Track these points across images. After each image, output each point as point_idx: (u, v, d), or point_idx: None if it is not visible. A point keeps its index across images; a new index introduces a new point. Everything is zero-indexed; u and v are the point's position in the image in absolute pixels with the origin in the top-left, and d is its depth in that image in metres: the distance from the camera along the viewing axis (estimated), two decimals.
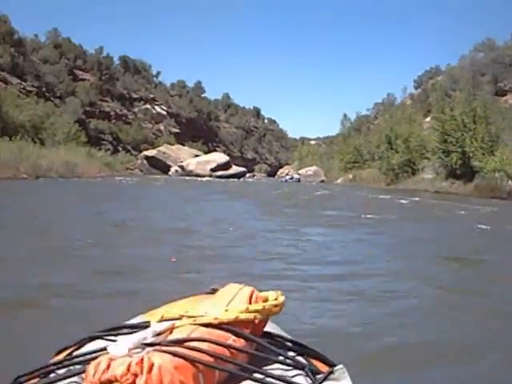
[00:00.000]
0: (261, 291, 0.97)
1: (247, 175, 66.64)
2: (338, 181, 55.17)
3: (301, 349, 0.98)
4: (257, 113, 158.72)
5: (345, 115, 77.86)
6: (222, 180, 48.13)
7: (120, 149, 74.77)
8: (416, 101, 59.72)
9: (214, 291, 1.16)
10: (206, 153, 67.74)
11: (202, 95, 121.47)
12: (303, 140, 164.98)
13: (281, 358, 0.89)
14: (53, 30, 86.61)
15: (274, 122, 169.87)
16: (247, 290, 0.98)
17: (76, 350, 0.90)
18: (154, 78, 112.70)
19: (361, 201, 22.60)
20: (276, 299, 0.97)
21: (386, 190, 39.60)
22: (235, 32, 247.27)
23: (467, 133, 35.58)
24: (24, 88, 63.07)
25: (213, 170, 54.50)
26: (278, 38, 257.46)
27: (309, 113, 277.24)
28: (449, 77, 58.81)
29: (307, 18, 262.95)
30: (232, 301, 0.91)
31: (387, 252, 8.42)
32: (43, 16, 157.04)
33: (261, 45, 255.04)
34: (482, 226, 12.20)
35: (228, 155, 66.04)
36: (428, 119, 50.20)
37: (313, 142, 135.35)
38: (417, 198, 24.48)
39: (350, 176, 54.09)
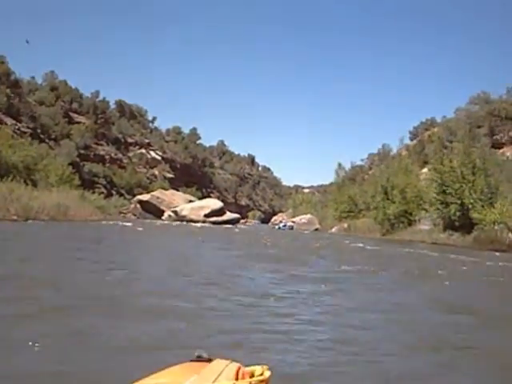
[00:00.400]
0: (247, 366, 0.96)
1: (241, 221, 65.99)
2: (333, 230, 54.54)
3: None
4: (251, 160, 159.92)
5: (339, 164, 78.09)
6: (216, 226, 47.46)
7: (114, 192, 74.18)
8: (412, 152, 60.03)
9: (200, 359, 1.11)
10: (200, 198, 67.28)
11: (197, 141, 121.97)
12: (297, 188, 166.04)
13: None
14: (50, 73, 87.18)
15: (269, 169, 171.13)
16: (233, 366, 0.95)
17: None
18: (150, 124, 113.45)
19: (361, 254, 21.94)
20: (262, 374, 0.94)
21: (383, 240, 38.99)
22: (231, 80, 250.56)
23: (466, 184, 35.31)
24: (19, 129, 62.91)
25: (206, 215, 53.83)
26: (273, 88, 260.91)
27: (303, 161, 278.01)
28: (445, 128, 59.18)
29: (304, 69, 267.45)
30: (219, 377, 0.89)
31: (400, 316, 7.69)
32: (40, 58, 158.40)
33: (256, 94, 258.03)
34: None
35: (222, 201, 65.47)
36: (425, 170, 50.12)
37: (306, 190, 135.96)
38: (421, 250, 23.88)
39: (345, 225, 53.53)
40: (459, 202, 35.37)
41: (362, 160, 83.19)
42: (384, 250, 24.09)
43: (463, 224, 35.03)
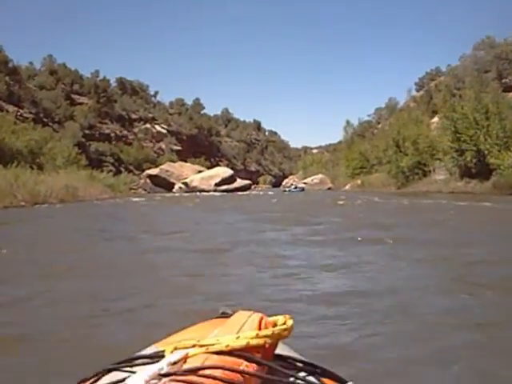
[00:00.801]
0: (270, 316, 0.99)
1: (252, 187, 65.44)
2: (346, 187, 53.79)
3: (311, 368, 1.02)
4: (257, 126, 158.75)
5: (347, 122, 77.02)
6: (229, 194, 46.96)
7: (122, 169, 73.99)
8: (419, 102, 58.41)
9: (224, 315, 1.17)
10: (208, 168, 66.73)
11: (202, 112, 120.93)
12: (305, 149, 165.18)
13: (292, 379, 0.92)
14: (48, 57, 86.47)
15: (275, 133, 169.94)
16: (256, 316, 0.99)
17: (94, 382, 0.93)
18: (153, 98, 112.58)
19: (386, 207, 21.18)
20: (285, 323, 0.98)
21: (398, 193, 38.19)
22: (231, 45, 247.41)
23: (480, 130, 34.32)
24: (21, 115, 62.41)
25: (217, 184, 53.39)
26: (273, 50, 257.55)
27: (309, 122, 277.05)
28: (452, 76, 57.67)
29: (305, 28, 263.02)
30: (242, 328, 0.94)
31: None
32: (37, 44, 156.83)
33: (257, 57, 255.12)
34: None
35: (232, 169, 64.93)
36: (435, 119, 49.02)
37: (315, 151, 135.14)
38: (441, 201, 22.97)
39: (358, 182, 52.78)
40: (475, 148, 34.48)
41: (369, 115, 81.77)
42: (402, 203, 23.17)
43: (480, 170, 34.30)
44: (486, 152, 33.57)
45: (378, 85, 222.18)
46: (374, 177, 51.04)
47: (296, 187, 62.77)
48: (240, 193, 50.06)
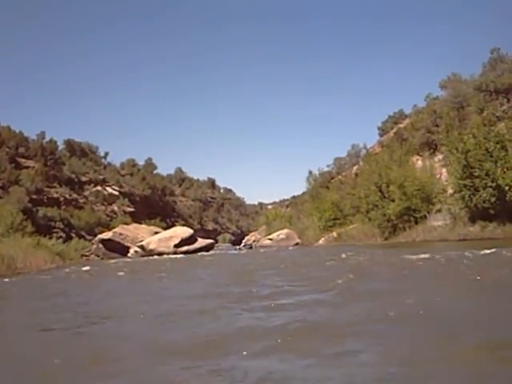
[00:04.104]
0: None
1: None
2: (320, 241, 49.34)
3: None
4: (212, 183, 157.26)
5: (310, 172, 74.98)
6: (192, 255, 43.61)
7: (73, 235, 69.57)
8: (388, 146, 54.83)
9: None
10: (165, 229, 63.18)
11: (154, 172, 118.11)
12: (261, 205, 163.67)
13: None
14: None
15: (230, 190, 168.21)
16: None
17: None
18: (103, 160, 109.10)
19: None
20: None
21: (389, 245, 34.00)
22: (182, 103, 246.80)
23: (497, 162, 30.06)
24: None
25: (177, 245, 49.80)
26: (225, 111, 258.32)
27: (263, 178, 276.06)
28: (429, 113, 54.41)
29: (255, 84, 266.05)
30: None
31: None
32: None
33: (208, 115, 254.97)
34: None
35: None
36: (417, 158, 46.57)
37: (269, 207, 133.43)
38: (466, 252, 17.05)
39: (334, 234, 48.46)
40: (493, 184, 29.85)
41: (329, 166, 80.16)
42: (412, 259, 16.83)
43: (500, 211, 29.68)
44: (507, 188, 29.19)
45: (335, 136, 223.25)
46: (352, 228, 46.88)
47: (245, 245, 67.03)
48: (203, 253, 46.83)
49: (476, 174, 30.75)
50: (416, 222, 38.78)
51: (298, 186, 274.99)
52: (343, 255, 21.83)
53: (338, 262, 19.40)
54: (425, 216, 38.61)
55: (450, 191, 38.23)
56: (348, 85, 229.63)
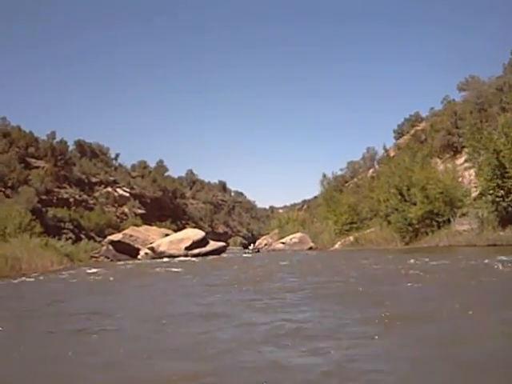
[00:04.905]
0: None
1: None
2: (336, 246, 47.61)
3: None
4: (223, 186, 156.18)
5: (324, 175, 73.44)
6: (204, 258, 42.21)
7: (83, 236, 68.46)
8: (408, 148, 53.07)
9: None
10: (175, 231, 61.89)
11: (165, 174, 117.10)
12: (272, 209, 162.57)
13: None
14: (0, 119, 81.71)
15: (241, 193, 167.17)
16: None
17: None
18: (113, 161, 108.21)
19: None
20: None
21: (411, 249, 32.03)
22: (194, 106, 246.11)
23: None
24: None
25: (188, 248, 48.51)
26: (237, 113, 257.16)
27: (274, 182, 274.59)
28: (449, 115, 52.60)
29: (267, 87, 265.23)
30: None
31: None
32: None
33: (220, 118, 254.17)
34: None
35: None
36: (436, 162, 44.83)
37: (280, 211, 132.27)
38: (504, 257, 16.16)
39: (351, 238, 46.68)
40: None
41: (342, 169, 78.79)
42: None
43: None
44: None
45: (339, 141, 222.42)
46: (369, 232, 45.06)
47: (253, 249, 67.03)
48: (214, 256, 45.45)
49: (509, 174, 29.24)
50: (439, 227, 37.13)
51: (309, 190, 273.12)
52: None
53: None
54: (448, 220, 36.88)
55: (474, 195, 36.64)
56: (358, 88, 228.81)
